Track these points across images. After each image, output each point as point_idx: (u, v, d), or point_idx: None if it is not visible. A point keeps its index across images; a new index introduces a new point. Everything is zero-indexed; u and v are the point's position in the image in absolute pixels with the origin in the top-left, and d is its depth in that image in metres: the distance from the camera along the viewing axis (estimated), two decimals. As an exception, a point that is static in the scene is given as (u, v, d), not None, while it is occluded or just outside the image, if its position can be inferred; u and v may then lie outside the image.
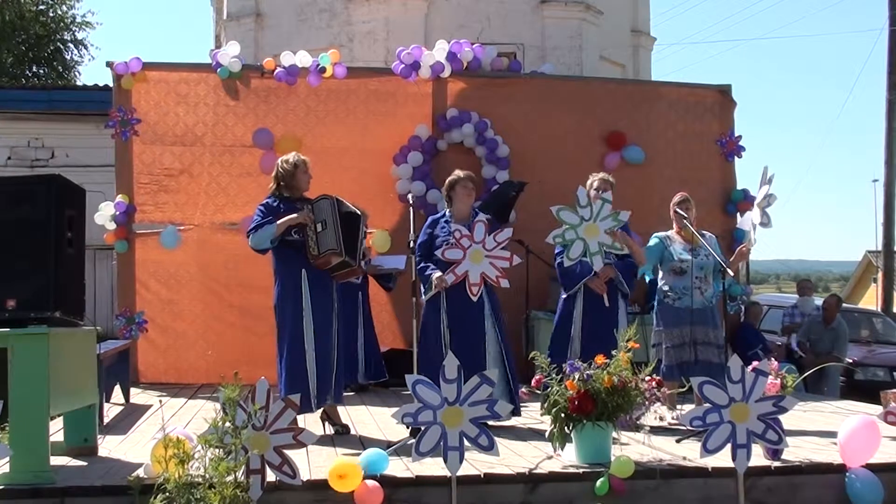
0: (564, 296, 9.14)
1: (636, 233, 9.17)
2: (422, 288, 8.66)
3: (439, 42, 13.00)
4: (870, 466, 6.68)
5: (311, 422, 8.08)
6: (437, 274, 8.41)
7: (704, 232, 9.10)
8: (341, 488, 6.01)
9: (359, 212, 8.39)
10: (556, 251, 8.89)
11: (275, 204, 8.17)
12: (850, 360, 15.47)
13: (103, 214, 12.00)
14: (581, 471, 6.53)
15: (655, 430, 7.46)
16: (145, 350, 12.16)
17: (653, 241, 9.17)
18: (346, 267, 8.13)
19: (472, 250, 8.35)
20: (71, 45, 36.04)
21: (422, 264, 8.56)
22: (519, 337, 11.61)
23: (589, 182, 9.01)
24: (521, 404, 8.55)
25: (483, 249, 8.37)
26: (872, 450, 6.76)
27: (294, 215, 7.97)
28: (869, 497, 6.53)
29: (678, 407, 8.72)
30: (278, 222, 7.96)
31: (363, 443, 7.76)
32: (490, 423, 6.58)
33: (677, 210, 9.07)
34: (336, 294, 8.25)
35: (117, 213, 11.99)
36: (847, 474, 6.65)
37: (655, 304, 9.26)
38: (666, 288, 9.04)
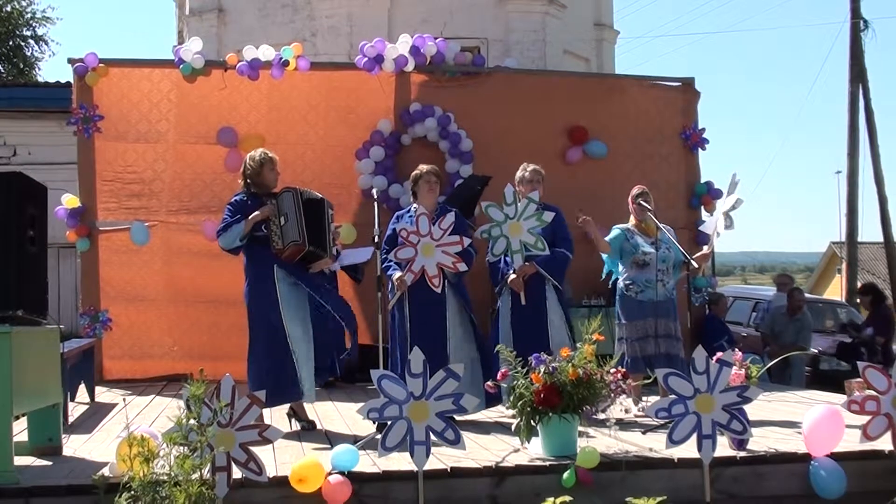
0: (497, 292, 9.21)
1: (598, 227, 9.21)
2: (389, 287, 8.67)
3: (403, 36, 12.97)
4: (834, 455, 6.74)
5: (277, 418, 8.07)
6: (397, 274, 8.43)
7: (661, 224, 9.14)
8: (304, 489, 6.00)
9: (321, 196, 8.39)
10: (489, 247, 8.93)
11: (243, 200, 8.20)
12: (816, 351, 15.59)
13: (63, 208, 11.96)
14: (548, 463, 6.55)
15: (621, 422, 7.51)
16: (110, 348, 12.09)
17: (614, 233, 9.21)
18: (313, 257, 8.15)
19: (422, 244, 8.40)
20: (31, 41, 35.80)
21: (387, 262, 8.57)
22: (484, 332, 11.62)
23: (520, 174, 9.05)
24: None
25: (431, 240, 8.40)
26: (836, 439, 6.81)
27: (258, 212, 8.00)
28: (832, 486, 6.59)
29: (643, 399, 8.77)
30: (245, 221, 8.01)
31: (330, 438, 7.76)
32: (456, 416, 6.58)
33: (641, 202, 9.10)
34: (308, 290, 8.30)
35: (67, 219, 11.97)
36: (811, 464, 6.70)
37: (617, 297, 9.30)
38: (628, 281, 9.08)
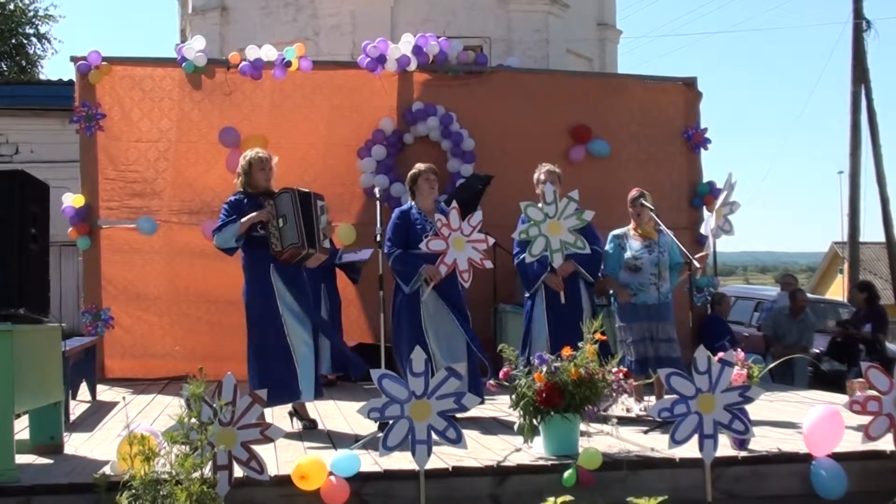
0: (526, 294, 9.18)
1: (600, 226, 9.21)
2: (396, 278, 8.66)
3: (405, 35, 12.98)
4: (835, 456, 6.73)
5: (279, 417, 8.07)
6: (427, 267, 8.42)
7: (662, 228, 9.14)
8: (306, 487, 6.00)
9: (308, 190, 8.38)
10: (515, 250, 8.92)
11: (240, 200, 8.20)
12: (816, 351, 15.57)
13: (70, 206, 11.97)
14: (549, 463, 6.55)
15: (623, 422, 7.51)
16: (112, 346, 12.09)
17: (609, 245, 9.21)
18: (308, 256, 8.13)
19: (453, 238, 8.39)
20: (34, 39, 35.77)
21: (397, 251, 8.55)
22: (487, 331, 11.62)
23: (536, 175, 9.05)
24: (489, 397, 8.60)
25: (462, 236, 8.40)
26: (836, 439, 6.80)
27: (255, 213, 8.00)
28: (833, 486, 6.58)
29: (645, 399, 8.77)
30: (241, 220, 7.99)
31: (331, 437, 7.76)
32: (458, 415, 6.58)
33: (643, 203, 9.09)
34: (307, 287, 8.28)
35: (69, 216, 11.98)
36: (812, 464, 6.69)
37: (613, 300, 9.32)
38: (623, 284, 9.07)
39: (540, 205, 8.58)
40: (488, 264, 8.59)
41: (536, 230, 8.52)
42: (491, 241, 8.64)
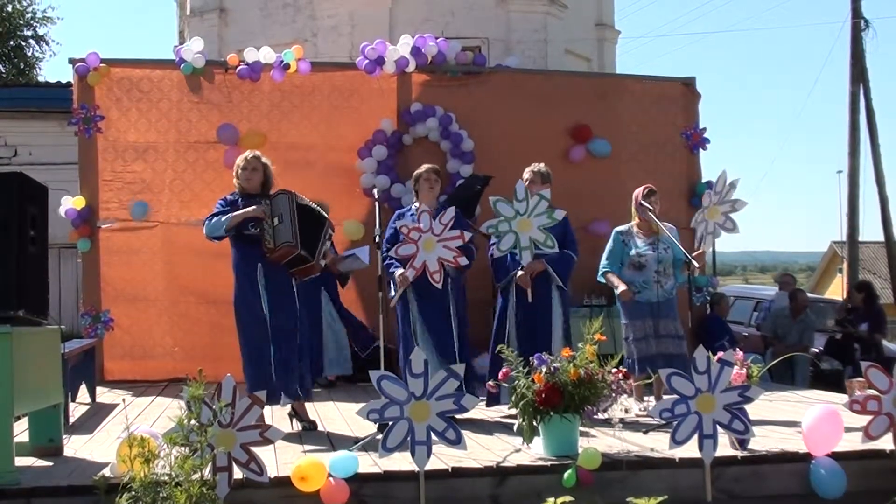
0: (498, 287, 9.16)
1: (606, 221, 9.19)
2: (391, 288, 8.69)
3: (404, 37, 12.98)
4: (834, 455, 6.73)
5: (279, 418, 8.07)
6: (399, 272, 8.43)
7: (666, 223, 9.12)
8: (305, 489, 6.00)
9: (324, 213, 8.39)
10: (490, 242, 8.88)
11: (235, 199, 8.21)
12: (816, 350, 15.58)
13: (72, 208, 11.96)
14: (549, 463, 6.54)
15: (623, 422, 7.50)
16: (111, 348, 12.08)
17: (612, 242, 9.20)
18: (303, 263, 8.08)
19: (423, 240, 8.41)
20: (32, 41, 35.78)
21: (388, 261, 8.58)
22: (487, 331, 11.59)
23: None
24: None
25: (433, 236, 8.41)
26: (836, 439, 6.80)
27: (251, 208, 7.99)
28: (833, 486, 6.58)
29: (645, 399, 8.77)
30: (234, 213, 7.98)
31: (331, 439, 7.75)
32: (457, 416, 6.58)
33: (643, 202, 9.09)
34: (296, 289, 8.24)
35: (71, 218, 11.97)
36: (811, 463, 6.69)
37: (616, 298, 9.31)
38: (627, 281, 9.05)
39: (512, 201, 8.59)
40: (463, 261, 8.53)
41: (506, 226, 8.52)
42: (468, 235, 8.60)
